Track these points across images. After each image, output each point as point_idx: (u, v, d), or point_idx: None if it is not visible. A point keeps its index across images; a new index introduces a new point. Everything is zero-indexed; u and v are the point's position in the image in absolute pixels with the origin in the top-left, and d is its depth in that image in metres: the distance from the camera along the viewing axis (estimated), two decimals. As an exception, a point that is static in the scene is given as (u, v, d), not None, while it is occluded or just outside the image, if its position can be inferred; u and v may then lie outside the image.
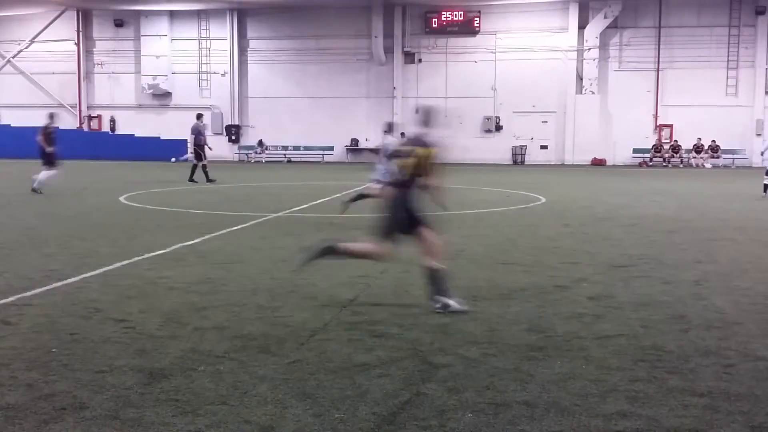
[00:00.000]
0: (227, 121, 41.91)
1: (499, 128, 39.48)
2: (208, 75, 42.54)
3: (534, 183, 23.91)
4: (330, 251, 6.97)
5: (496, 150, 39.15)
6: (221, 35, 41.93)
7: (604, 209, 15.90)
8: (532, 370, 5.04)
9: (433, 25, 39.41)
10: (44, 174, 19.02)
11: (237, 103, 42.15)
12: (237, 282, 7.96)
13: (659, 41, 37.79)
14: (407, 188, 6.77)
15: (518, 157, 39.07)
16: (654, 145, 37.91)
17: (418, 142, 6.81)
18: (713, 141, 36.71)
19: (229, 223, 12.88)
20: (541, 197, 18.68)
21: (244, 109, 42.46)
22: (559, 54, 38.31)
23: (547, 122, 39.00)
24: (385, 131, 14.00)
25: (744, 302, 7.10)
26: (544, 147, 39.24)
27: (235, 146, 42.11)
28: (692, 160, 36.99)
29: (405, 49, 40.02)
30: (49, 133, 19.22)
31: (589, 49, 37.84)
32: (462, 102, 39.22)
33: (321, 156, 40.93)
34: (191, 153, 23.46)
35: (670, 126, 37.83)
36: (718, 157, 36.75)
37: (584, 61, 38.08)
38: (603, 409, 4.32)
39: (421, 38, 40.00)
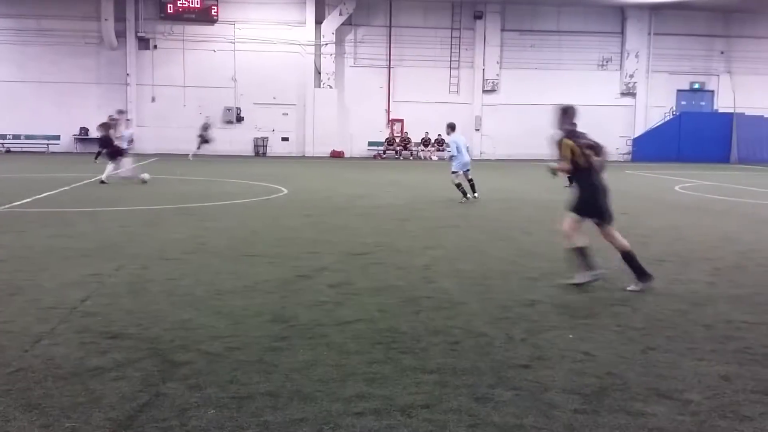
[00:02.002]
0: (-70, 106, 37.05)
1: (240, 119, 39.20)
2: None
3: (276, 174, 24.09)
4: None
5: (238, 141, 38.84)
6: None
7: (343, 199, 16.46)
8: (276, 360, 5.09)
9: (169, 11, 37.99)
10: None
11: (-58, 86, 37.45)
12: (-54, 287, 7.09)
13: (390, 40, 39.84)
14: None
15: (260, 148, 39.10)
16: (387, 139, 39.95)
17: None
18: (439, 135, 39.47)
19: (-64, 220, 11.42)
20: (283, 188, 18.86)
21: (-49, 93, 37.83)
22: (298, 47, 38.89)
23: (288, 114, 39.44)
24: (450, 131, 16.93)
25: (467, 283, 7.75)
26: (285, 139, 39.65)
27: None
28: (421, 152, 39.56)
29: (139, 35, 38.15)
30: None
31: (326, 44, 38.87)
32: (201, 92, 38.36)
33: (46, 146, 37.76)
34: None
35: (401, 120, 40.13)
36: (443, 150, 39.64)
37: (322, 55, 39.02)
38: (343, 392, 4.48)
39: (156, 24, 38.37)
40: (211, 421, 4.04)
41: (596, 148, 7.61)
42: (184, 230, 11.27)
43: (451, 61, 40.35)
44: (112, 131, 20.26)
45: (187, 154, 33.53)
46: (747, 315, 6.57)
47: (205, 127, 34.70)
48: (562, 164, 7.66)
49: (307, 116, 39.02)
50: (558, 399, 4.45)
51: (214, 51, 38.62)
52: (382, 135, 40.16)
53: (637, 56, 40.73)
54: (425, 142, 39.61)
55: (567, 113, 7.76)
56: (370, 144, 39.90)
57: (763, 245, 10.70)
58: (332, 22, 38.80)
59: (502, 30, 40.35)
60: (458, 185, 16.60)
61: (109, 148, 20.03)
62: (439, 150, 39.43)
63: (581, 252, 7.60)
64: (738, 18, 40.90)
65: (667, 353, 5.41)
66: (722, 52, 41.49)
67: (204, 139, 34.24)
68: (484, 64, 40.27)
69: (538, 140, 39.48)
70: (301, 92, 39.09)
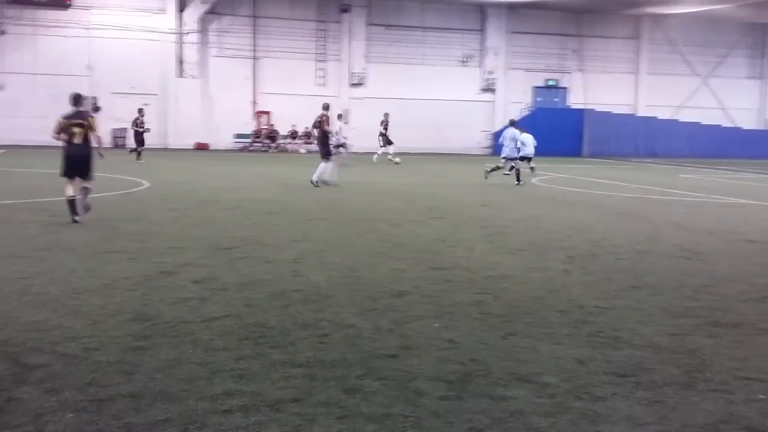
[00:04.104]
0: None
1: (97, 109, 37.38)
2: None
3: (137, 167, 23.21)
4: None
5: (94, 132, 37.09)
6: None
7: (209, 193, 16.09)
8: (138, 360, 4.91)
9: (18, -6, 35.70)
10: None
11: None
12: None
13: (255, 30, 39.25)
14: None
15: (119, 140, 37.53)
16: (254, 131, 39.38)
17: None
18: (306, 128, 39.35)
19: None
20: (144, 182, 18.21)
21: None
22: (159, 36, 37.58)
23: (149, 105, 38.00)
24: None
25: (335, 276, 7.78)
26: (146, 130, 38.18)
27: None
28: (288, 145, 39.27)
29: (-16, 18, 35.65)
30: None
31: (189, 33, 37.78)
32: (54, 79, 36.25)
33: None
34: None
35: (269, 113, 39.66)
36: (311, 143, 39.52)
37: (184, 44, 37.91)
38: (210, 390, 4.39)
39: (3, 8, 35.95)
40: (69, 426, 3.86)
41: (86, 127, 11.05)
42: (37, 226, 10.66)
43: (317, 53, 40.28)
44: (328, 128, 18.41)
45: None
46: (598, 300, 6.98)
47: (385, 124, 30.35)
48: (53, 134, 11.16)
49: (170, 107, 37.81)
50: (424, 387, 4.55)
51: (68, 37, 36.66)
52: (249, 127, 39.55)
53: (496, 53, 42.22)
54: (293, 134, 39.36)
55: (75, 99, 11.20)
56: (237, 136, 39.19)
57: (612, 234, 11.39)
58: (195, 10, 37.76)
59: (368, 24, 40.70)
60: (496, 168, 20.68)
61: (325, 146, 18.32)
62: (307, 142, 39.30)
63: (70, 202, 11.01)
64: (589, 18, 43.25)
65: (526, 338, 5.66)
66: (574, 51, 43.76)
67: (387, 139, 30.07)
68: (350, 58, 40.47)
69: (405, 133, 40.01)
70: (162, 82, 37.82)
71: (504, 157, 20.79)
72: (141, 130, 27.44)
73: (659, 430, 4.04)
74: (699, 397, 4.52)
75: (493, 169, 20.75)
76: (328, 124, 18.56)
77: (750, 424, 4.13)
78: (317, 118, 18.55)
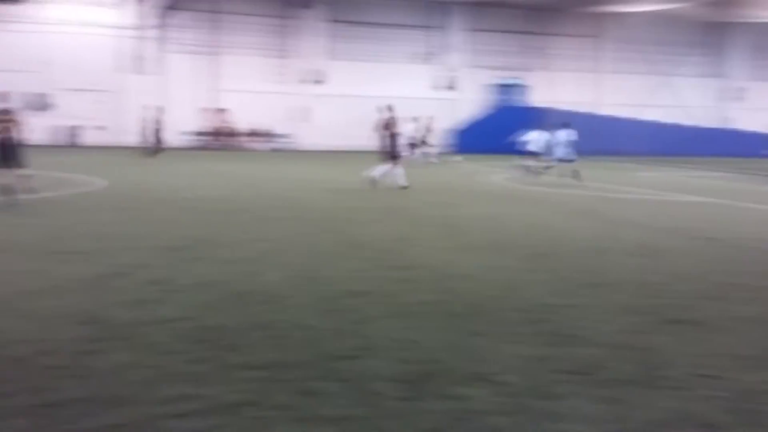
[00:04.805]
0: None
1: (49, 106, 36.64)
2: None
3: (90, 165, 22.78)
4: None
5: (47, 129, 36.29)
6: None
7: (165, 192, 15.84)
8: (91, 363, 4.78)
9: (-32, -13, 34.79)
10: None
11: None
12: None
13: (215, 26, 38.84)
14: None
15: (73, 137, 36.82)
16: (212, 128, 38.94)
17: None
18: (267, 125, 39.11)
19: None
20: (98, 180, 17.86)
21: None
22: (115, 31, 36.96)
23: (103, 102, 37.40)
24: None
25: (294, 276, 7.68)
26: (101, 127, 37.58)
27: None
28: (247, 143, 38.92)
29: (-68, 11, 34.66)
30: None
31: (146, 28, 37.21)
32: (6, 76, 35.43)
33: None
34: None
35: (227, 110, 39.26)
36: (271, 141, 39.28)
37: (141, 40, 37.33)
38: (164, 394, 4.27)
39: (-48, 0, 35.03)
40: (20, 431, 3.72)
41: (12, 121, 13.11)
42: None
43: (279, 50, 40.01)
44: (396, 130, 17.90)
45: None
46: (558, 298, 6.99)
47: (428, 129, 29.98)
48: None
49: (125, 104, 37.19)
50: (385, 388, 4.49)
51: (21, 32, 35.83)
52: (207, 124, 39.11)
53: (458, 51, 42.39)
54: (251, 132, 39.03)
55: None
56: (194, 134, 38.73)
57: (572, 232, 11.46)
58: (153, 5, 37.20)
59: (330, 21, 40.55)
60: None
61: (393, 149, 17.81)
62: (268, 141, 39.01)
63: (3, 189, 12.67)
64: (550, 16, 43.70)
65: (486, 337, 5.63)
66: (536, 49, 44.14)
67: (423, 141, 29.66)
68: (312, 55, 40.27)
69: (365, 131, 40.02)
70: (118, 78, 37.22)
71: (559, 159, 21.17)
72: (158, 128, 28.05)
73: (618, 428, 4.04)
74: (658, 394, 4.54)
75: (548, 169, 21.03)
76: (395, 126, 18.20)
77: (709, 422, 4.16)
78: (383, 120, 18.15)
